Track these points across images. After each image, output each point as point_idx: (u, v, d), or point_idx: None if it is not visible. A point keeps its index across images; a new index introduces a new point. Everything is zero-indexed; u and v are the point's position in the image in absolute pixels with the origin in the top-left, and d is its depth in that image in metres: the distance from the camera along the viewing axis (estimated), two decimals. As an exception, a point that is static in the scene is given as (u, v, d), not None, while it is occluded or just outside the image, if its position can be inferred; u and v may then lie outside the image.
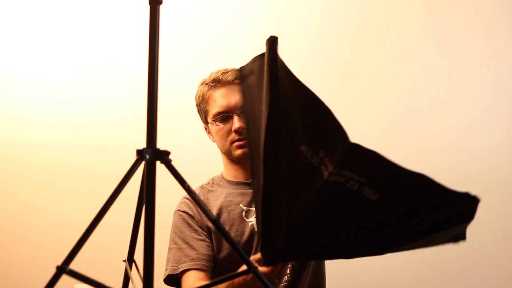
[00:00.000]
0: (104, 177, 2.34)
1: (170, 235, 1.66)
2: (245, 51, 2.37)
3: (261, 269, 1.13)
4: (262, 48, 1.02)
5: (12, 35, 2.42)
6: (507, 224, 2.26)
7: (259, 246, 1.15)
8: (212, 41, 2.36)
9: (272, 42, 0.96)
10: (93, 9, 2.42)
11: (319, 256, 1.36)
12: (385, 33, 2.37)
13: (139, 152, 0.93)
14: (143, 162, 0.93)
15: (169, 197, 1.99)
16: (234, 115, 1.58)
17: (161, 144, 0.94)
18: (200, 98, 1.67)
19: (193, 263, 1.53)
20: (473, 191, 2.55)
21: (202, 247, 1.56)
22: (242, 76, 1.16)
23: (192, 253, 1.55)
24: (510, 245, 2.26)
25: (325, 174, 0.86)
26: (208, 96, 1.64)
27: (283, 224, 0.98)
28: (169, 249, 1.63)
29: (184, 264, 1.54)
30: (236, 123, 1.57)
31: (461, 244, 2.32)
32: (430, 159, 2.29)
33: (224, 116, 1.60)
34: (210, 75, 1.67)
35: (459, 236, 1.02)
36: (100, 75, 2.40)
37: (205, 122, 1.68)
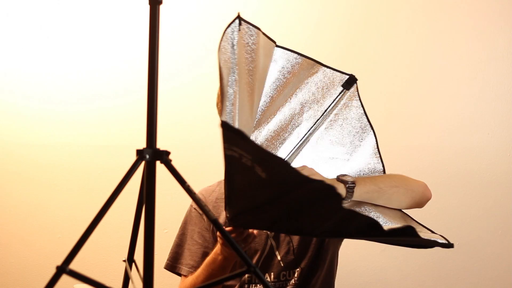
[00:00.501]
0: (104, 177, 2.34)
1: (181, 223, 1.70)
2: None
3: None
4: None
5: (13, 35, 2.42)
6: (507, 224, 2.26)
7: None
8: (211, 40, 2.36)
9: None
10: (93, 9, 2.42)
11: (254, 226, 1.42)
12: (384, 32, 2.37)
13: (139, 152, 0.93)
14: (143, 162, 0.93)
15: (169, 197, 1.99)
16: None
17: (161, 144, 0.94)
18: (218, 97, 1.67)
19: (187, 269, 1.62)
20: (473, 191, 2.55)
21: (198, 253, 1.62)
22: None
23: (188, 258, 1.62)
24: (510, 244, 2.26)
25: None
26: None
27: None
28: (175, 239, 1.69)
29: (180, 266, 1.63)
30: None
31: (461, 244, 2.32)
32: (430, 158, 2.29)
33: None
34: None
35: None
36: (100, 75, 2.40)
37: None
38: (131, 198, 1.07)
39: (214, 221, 0.95)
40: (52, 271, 0.86)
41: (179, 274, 1.64)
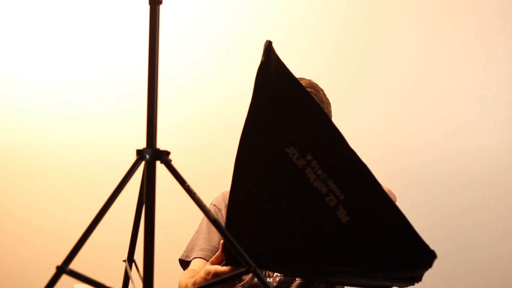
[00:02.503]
0: (104, 177, 2.33)
1: (200, 222, 1.73)
2: (244, 50, 2.38)
3: (219, 268, 1.17)
4: (261, 47, 1.02)
5: (13, 35, 2.42)
6: (507, 223, 2.26)
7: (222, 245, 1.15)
8: (211, 40, 2.36)
9: (266, 46, 0.99)
10: (93, 10, 2.42)
11: (277, 270, 1.30)
12: (384, 32, 2.37)
13: (139, 152, 0.93)
14: (143, 162, 0.93)
15: (169, 197, 1.99)
16: None
17: (161, 144, 0.94)
18: None
19: (202, 253, 1.62)
20: (473, 191, 2.55)
21: (217, 239, 1.63)
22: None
23: (204, 244, 1.63)
24: (510, 244, 2.26)
25: (312, 177, 0.84)
26: None
27: (250, 225, 0.98)
28: (193, 235, 1.71)
29: (194, 253, 1.63)
30: None
31: (461, 243, 2.32)
32: (430, 159, 2.29)
33: None
34: None
35: (416, 278, 0.96)
36: (100, 76, 2.40)
37: None
38: (131, 198, 1.08)
39: (214, 221, 0.95)
40: (52, 271, 0.86)
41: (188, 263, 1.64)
